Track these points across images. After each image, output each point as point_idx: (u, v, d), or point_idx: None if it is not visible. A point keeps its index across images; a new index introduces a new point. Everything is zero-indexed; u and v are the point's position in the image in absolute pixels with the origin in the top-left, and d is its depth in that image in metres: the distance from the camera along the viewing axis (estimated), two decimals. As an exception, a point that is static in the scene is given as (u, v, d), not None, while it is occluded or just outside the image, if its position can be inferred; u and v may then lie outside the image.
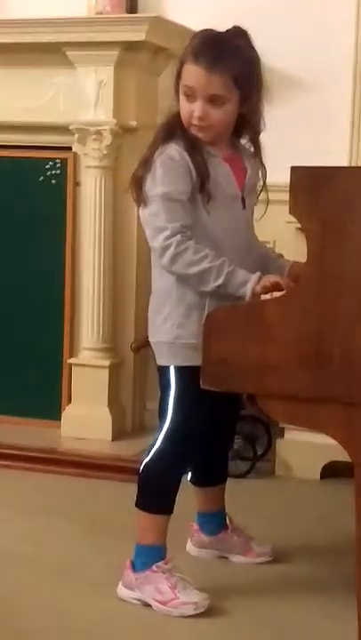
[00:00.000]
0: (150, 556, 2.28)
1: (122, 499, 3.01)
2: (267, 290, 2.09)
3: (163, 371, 2.29)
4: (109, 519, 2.84)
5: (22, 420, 3.61)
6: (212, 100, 2.18)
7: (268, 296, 2.08)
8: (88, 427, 3.41)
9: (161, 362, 2.29)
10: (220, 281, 2.13)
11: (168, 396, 2.28)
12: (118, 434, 3.45)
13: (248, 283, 2.11)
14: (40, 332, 3.63)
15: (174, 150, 2.20)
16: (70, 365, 3.51)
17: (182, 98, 2.21)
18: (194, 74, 2.19)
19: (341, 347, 1.80)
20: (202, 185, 2.19)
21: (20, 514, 2.87)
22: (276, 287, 2.09)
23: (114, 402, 3.48)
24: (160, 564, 2.27)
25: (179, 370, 2.23)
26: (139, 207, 2.28)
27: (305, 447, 3.15)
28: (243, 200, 2.28)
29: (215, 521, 2.53)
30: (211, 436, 2.36)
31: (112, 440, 3.42)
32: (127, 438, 3.46)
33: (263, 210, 2.34)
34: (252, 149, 2.34)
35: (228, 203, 2.25)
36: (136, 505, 2.32)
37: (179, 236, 2.15)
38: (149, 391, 3.58)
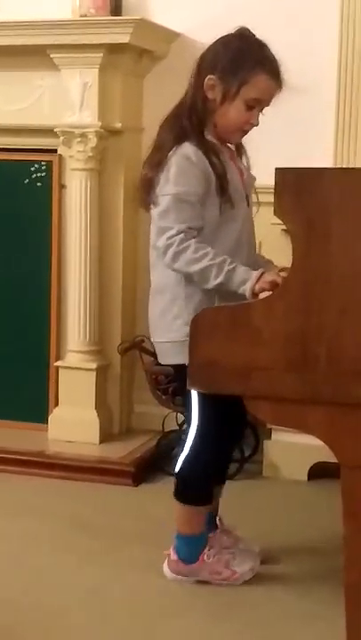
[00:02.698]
0: (195, 544, 2.39)
1: (109, 501, 3.01)
2: (264, 290, 2.12)
3: (179, 371, 2.31)
4: (97, 521, 2.83)
5: (9, 422, 3.60)
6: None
7: (267, 294, 2.10)
8: (75, 429, 3.40)
9: (170, 360, 2.32)
10: (220, 279, 2.17)
11: (190, 395, 2.32)
12: (106, 436, 3.45)
13: (248, 282, 2.15)
14: (26, 334, 3.62)
15: (190, 150, 2.23)
16: (57, 368, 3.51)
17: (242, 106, 2.26)
18: (269, 90, 2.27)
19: (328, 348, 1.80)
20: (222, 188, 2.23)
21: (7, 516, 2.86)
22: (273, 286, 2.11)
23: (101, 404, 3.47)
24: (207, 552, 2.38)
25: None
26: (147, 209, 2.30)
27: (292, 448, 3.16)
28: (246, 197, 2.34)
29: (208, 521, 2.54)
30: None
31: (99, 443, 3.41)
32: (114, 441, 3.45)
33: (255, 210, 2.40)
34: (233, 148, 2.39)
35: (238, 201, 2.29)
36: (177, 499, 2.39)
37: (182, 235, 2.19)
38: (137, 393, 3.58)
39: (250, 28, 2.32)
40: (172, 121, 2.30)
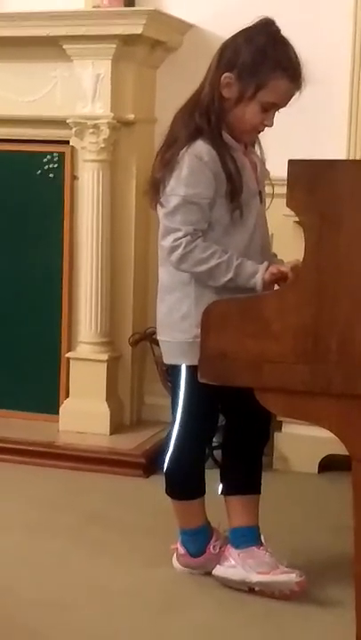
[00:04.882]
0: (199, 537, 2.38)
1: (120, 492, 3.02)
2: (275, 277, 2.12)
3: (173, 369, 2.32)
4: (107, 513, 2.84)
5: (20, 414, 3.60)
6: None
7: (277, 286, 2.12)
8: (86, 421, 3.41)
9: (173, 360, 2.31)
10: (229, 275, 2.16)
11: (178, 394, 2.31)
12: (116, 428, 3.45)
13: (257, 273, 2.15)
14: (38, 325, 3.62)
15: (203, 149, 2.18)
16: (68, 359, 3.51)
17: (257, 108, 2.19)
18: (288, 93, 2.21)
19: (339, 340, 1.80)
20: (233, 194, 2.19)
21: (18, 507, 2.87)
22: (283, 275, 2.12)
23: (112, 396, 3.48)
24: (213, 543, 2.38)
25: (192, 369, 2.21)
26: (155, 209, 2.27)
27: (303, 440, 3.15)
28: (260, 194, 2.30)
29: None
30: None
31: (110, 434, 3.42)
32: (125, 432, 3.46)
33: (268, 203, 2.36)
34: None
35: (251, 199, 2.25)
36: (168, 495, 2.39)
37: (188, 237, 2.18)
38: (147, 385, 3.58)
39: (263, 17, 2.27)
40: (187, 116, 2.24)
